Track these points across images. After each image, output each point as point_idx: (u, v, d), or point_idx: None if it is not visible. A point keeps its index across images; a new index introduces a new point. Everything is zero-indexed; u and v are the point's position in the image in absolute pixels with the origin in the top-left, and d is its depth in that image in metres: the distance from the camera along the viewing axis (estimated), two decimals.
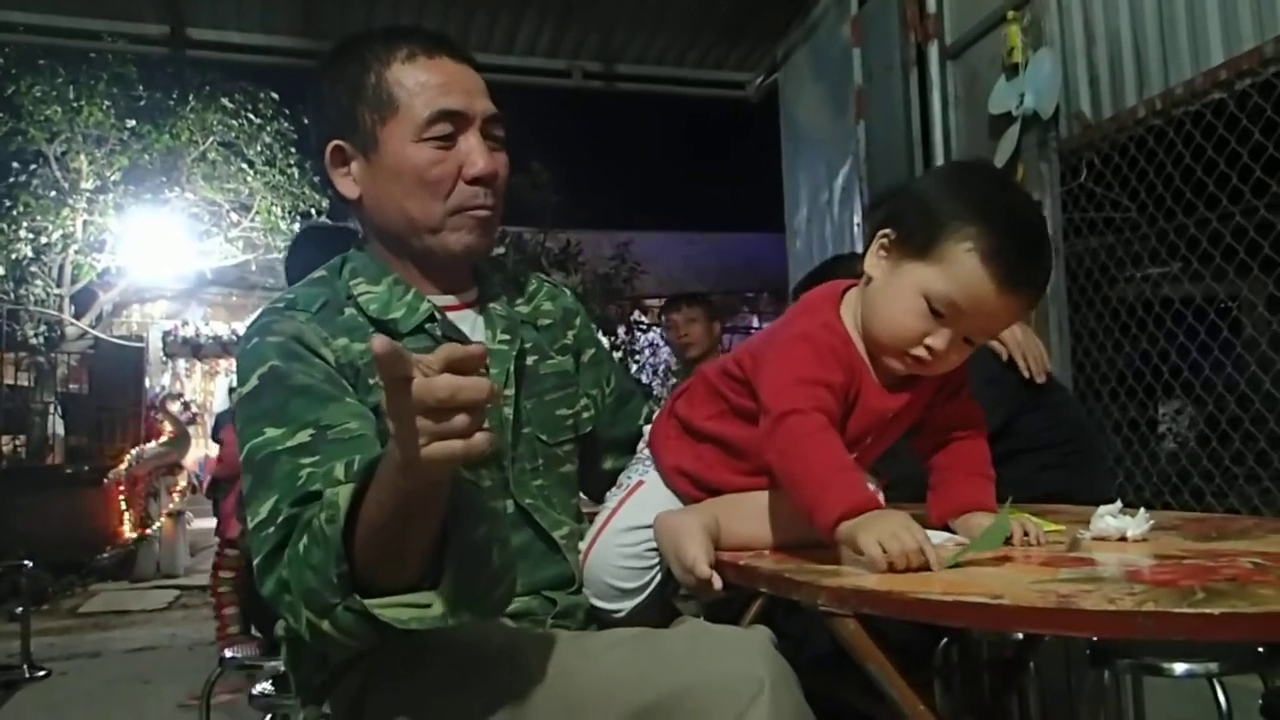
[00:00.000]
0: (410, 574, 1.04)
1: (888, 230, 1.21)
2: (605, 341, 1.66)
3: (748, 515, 1.23)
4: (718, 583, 1.15)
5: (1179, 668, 1.77)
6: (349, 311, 1.32)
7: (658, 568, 1.30)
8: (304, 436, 1.16)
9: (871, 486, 1.23)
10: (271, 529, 1.11)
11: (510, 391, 1.35)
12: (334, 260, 1.42)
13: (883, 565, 1.00)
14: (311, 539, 1.05)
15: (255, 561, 1.14)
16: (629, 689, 1.04)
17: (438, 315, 1.34)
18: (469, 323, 1.39)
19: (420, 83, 1.30)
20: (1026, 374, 2.24)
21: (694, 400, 1.35)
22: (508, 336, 1.39)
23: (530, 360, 1.42)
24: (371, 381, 1.24)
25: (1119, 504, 1.22)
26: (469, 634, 1.18)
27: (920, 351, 1.18)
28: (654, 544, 1.28)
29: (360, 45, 1.35)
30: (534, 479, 1.36)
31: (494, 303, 1.42)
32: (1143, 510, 1.20)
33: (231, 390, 3.00)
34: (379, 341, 0.86)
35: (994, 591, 0.89)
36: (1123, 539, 1.17)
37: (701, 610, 1.26)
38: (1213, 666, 1.76)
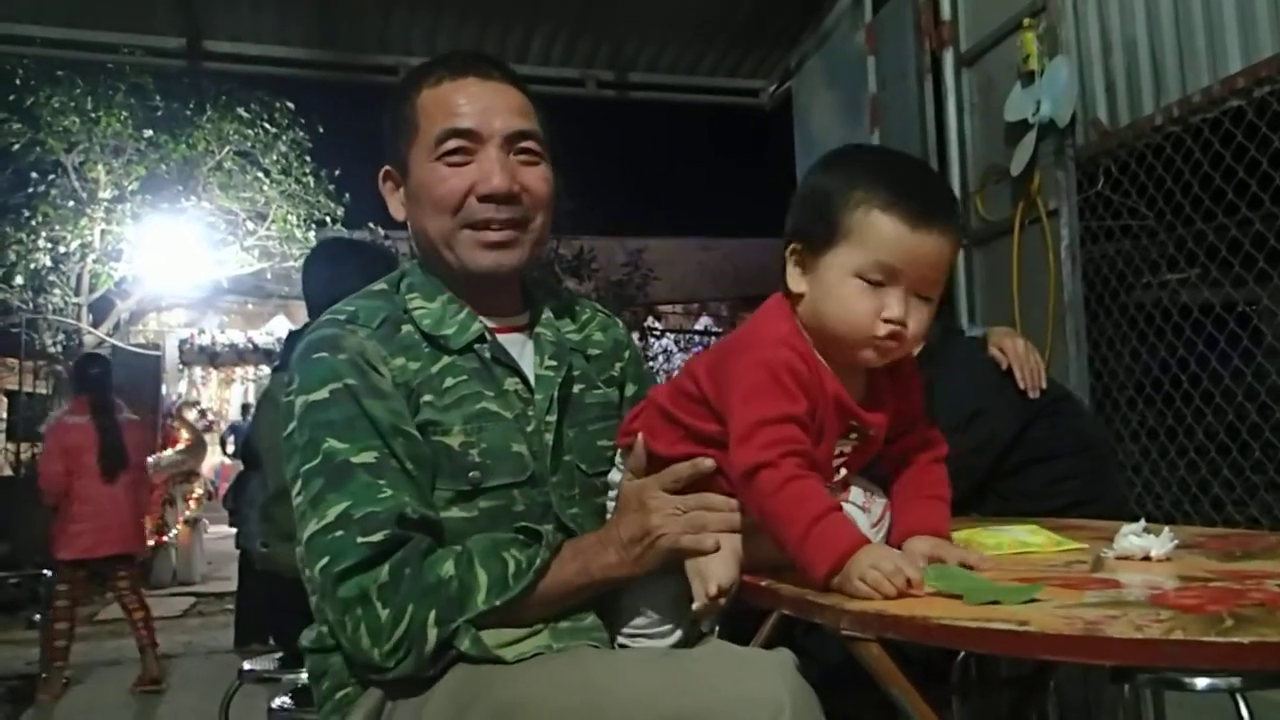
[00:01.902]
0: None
1: (793, 245, 1.21)
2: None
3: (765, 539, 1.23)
4: (721, 602, 1.16)
5: (1201, 682, 1.75)
6: (406, 328, 1.35)
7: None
8: (369, 457, 1.22)
9: (861, 499, 1.23)
10: (347, 535, 1.18)
11: (553, 418, 1.36)
12: (394, 274, 1.46)
13: (874, 598, 1.00)
14: (467, 570, 1.19)
15: (324, 564, 1.19)
16: (652, 708, 1.05)
17: (488, 336, 1.37)
18: (519, 346, 1.41)
19: (438, 105, 1.35)
20: (1022, 385, 2.25)
21: (654, 431, 1.29)
22: (555, 363, 1.40)
23: (576, 389, 1.43)
24: (423, 401, 1.29)
25: (1143, 522, 1.21)
26: (486, 651, 1.19)
27: (883, 329, 1.15)
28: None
29: (410, 76, 1.42)
30: (569, 506, 1.37)
31: (544, 328, 1.44)
32: (1166, 529, 1.20)
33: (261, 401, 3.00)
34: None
35: (1020, 618, 0.88)
36: (1146, 558, 1.16)
37: (712, 625, 1.25)
38: (1235, 681, 1.74)
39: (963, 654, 1.93)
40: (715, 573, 1.16)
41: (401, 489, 1.22)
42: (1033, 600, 0.96)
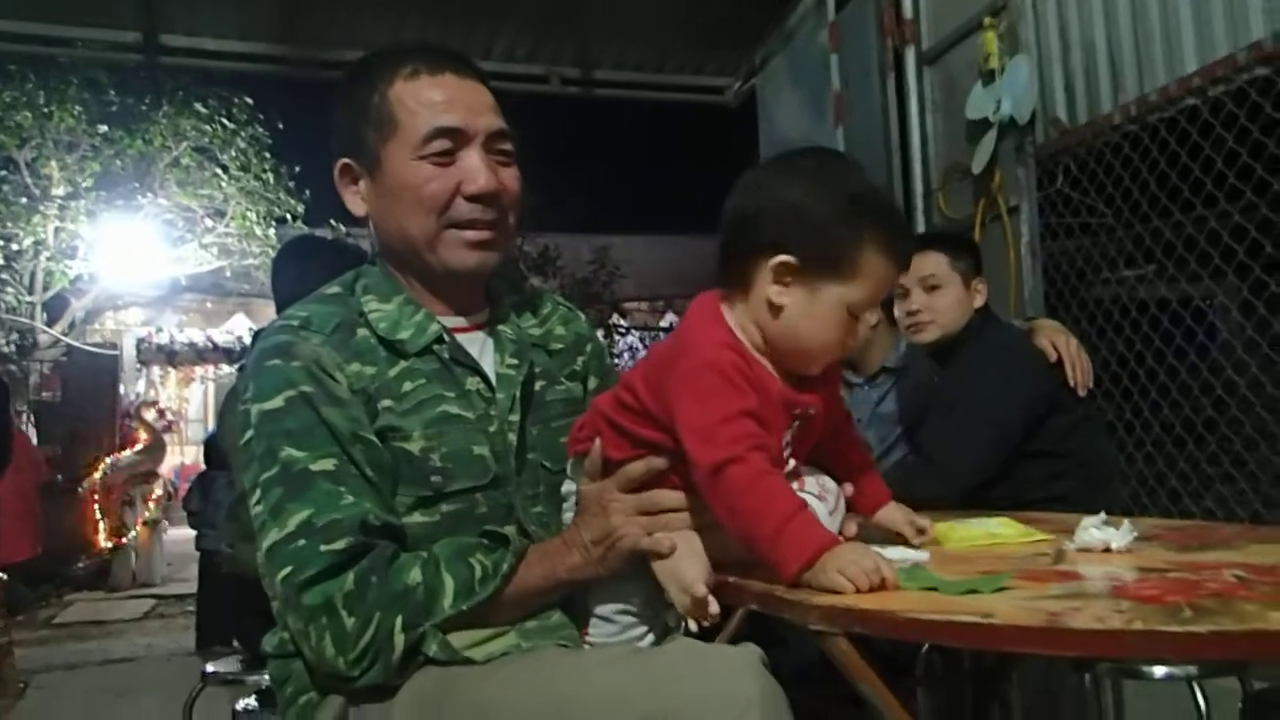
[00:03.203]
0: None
1: (785, 258, 1.18)
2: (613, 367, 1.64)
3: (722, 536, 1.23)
4: (714, 606, 1.15)
5: (1159, 671, 1.79)
6: (361, 333, 1.33)
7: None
8: (328, 465, 1.21)
9: (816, 488, 1.24)
10: (310, 544, 1.17)
11: (515, 417, 1.35)
12: (348, 275, 1.42)
13: (850, 590, 1.02)
14: (434, 575, 1.19)
15: (287, 574, 1.18)
16: (619, 707, 1.04)
17: (446, 337, 1.35)
18: (479, 345, 1.39)
19: (420, 100, 1.31)
20: (1073, 383, 2.32)
21: (603, 438, 1.29)
22: (516, 361, 1.39)
23: (539, 385, 1.42)
24: (381, 406, 1.28)
25: (1103, 515, 1.23)
26: (454, 653, 1.19)
27: (842, 352, 1.23)
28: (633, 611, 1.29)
29: (369, 65, 1.37)
30: (534, 505, 1.36)
31: (505, 325, 1.42)
32: (1126, 522, 1.22)
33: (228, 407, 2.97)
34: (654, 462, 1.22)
35: (984, 610, 0.90)
36: (1107, 550, 1.18)
37: (678, 622, 1.26)
38: (1192, 669, 1.78)
39: (927, 647, 1.95)
40: (690, 573, 1.16)
41: (363, 496, 1.21)
42: (1003, 589, 0.98)
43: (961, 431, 2.30)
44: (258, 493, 1.23)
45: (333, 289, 1.40)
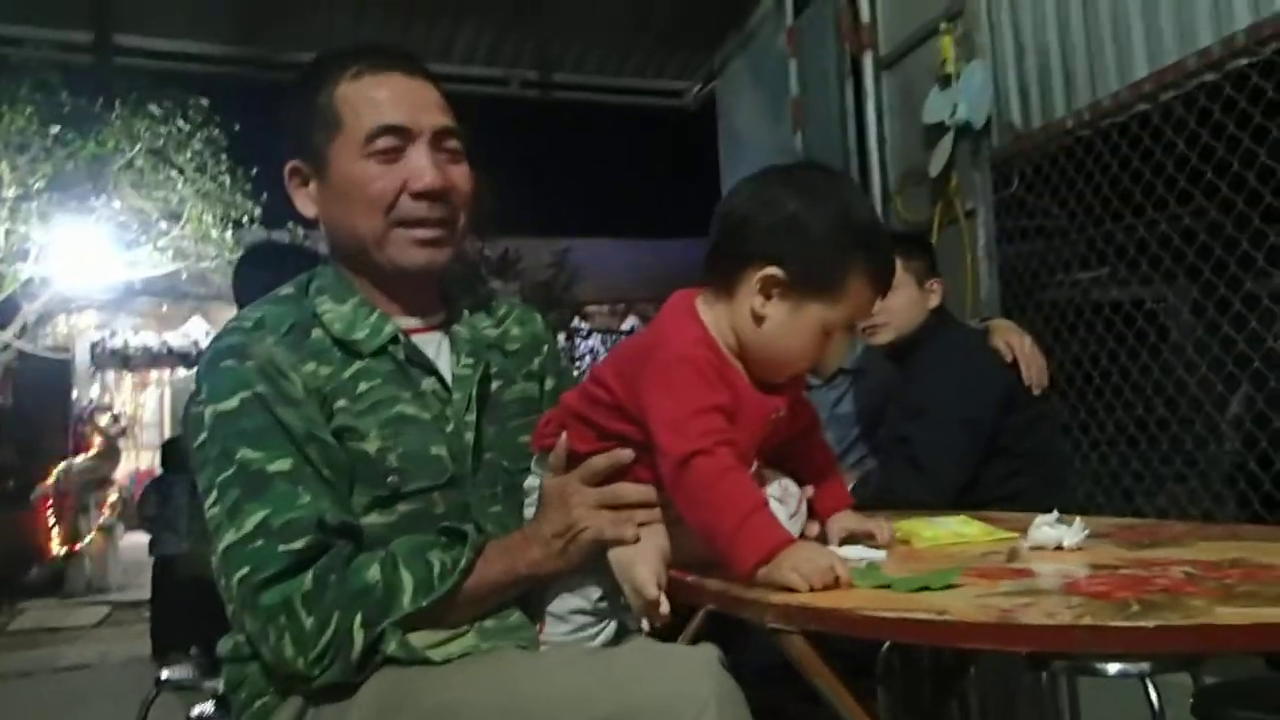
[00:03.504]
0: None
1: (773, 271, 1.19)
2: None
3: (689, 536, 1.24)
4: (665, 606, 1.16)
5: (1112, 668, 1.82)
6: (316, 333, 1.32)
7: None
8: (284, 465, 1.21)
9: (779, 491, 1.25)
10: (268, 544, 1.17)
11: (472, 417, 1.35)
12: (301, 276, 1.42)
13: (804, 588, 1.02)
14: (392, 572, 1.18)
15: (244, 574, 1.17)
16: (577, 707, 1.05)
17: (401, 338, 1.34)
18: (434, 346, 1.39)
19: (365, 99, 1.31)
20: (1028, 381, 2.35)
21: (571, 435, 1.30)
22: (471, 361, 1.39)
23: (495, 385, 1.42)
24: (336, 406, 1.27)
25: (1056, 513, 1.25)
26: (413, 652, 1.18)
27: (810, 366, 1.27)
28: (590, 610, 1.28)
29: (318, 66, 1.37)
30: (493, 504, 1.36)
31: (461, 325, 1.42)
32: (1078, 519, 1.24)
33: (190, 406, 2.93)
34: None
35: (938, 607, 0.91)
36: (1059, 548, 1.20)
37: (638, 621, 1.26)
38: (1145, 666, 1.82)
39: (887, 645, 1.97)
40: (642, 575, 1.17)
41: (320, 495, 1.21)
42: (952, 586, 1.00)
43: (939, 435, 2.32)
44: (214, 494, 1.22)
45: (286, 290, 1.39)
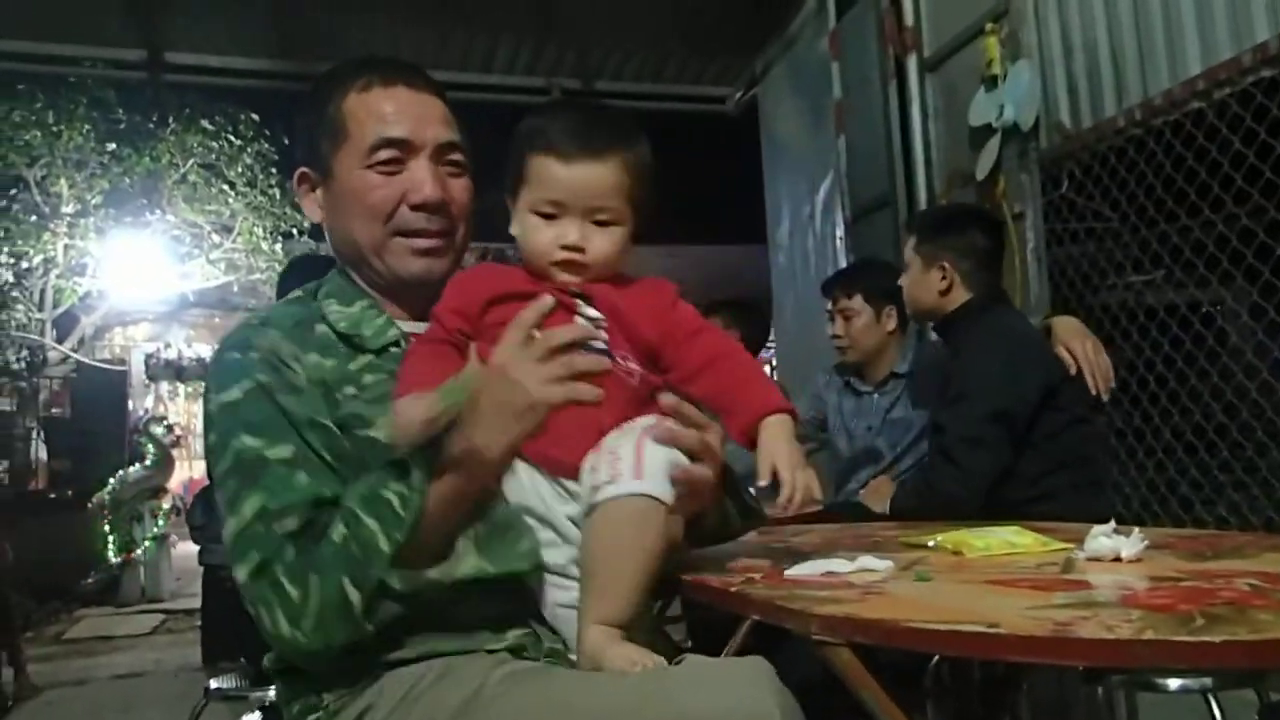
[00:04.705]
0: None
1: (514, 185, 1.29)
2: None
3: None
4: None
5: (1173, 683, 1.75)
6: (321, 329, 1.35)
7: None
8: (285, 452, 1.22)
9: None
10: (266, 531, 1.17)
11: None
12: (311, 284, 1.46)
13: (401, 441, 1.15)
14: (357, 525, 1.16)
15: (243, 562, 1.18)
16: (632, 713, 1.02)
17: (404, 342, 1.35)
18: None
19: (369, 111, 1.35)
20: (1094, 389, 2.29)
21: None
22: None
23: None
24: (339, 396, 1.28)
25: (1113, 523, 1.21)
26: (468, 668, 1.16)
27: (561, 254, 1.24)
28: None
29: (329, 78, 1.41)
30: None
31: None
32: (1136, 530, 1.20)
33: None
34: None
35: (990, 620, 0.87)
36: (1117, 559, 1.16)
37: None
38: (1207, 681, 1.74)
39: (936, 657, 1.93)
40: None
41: (319, 478, 1.21)
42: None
43: (971, 425, 2.28)
44: (220, 487, 1.24)
45: (295, 294, 1.44)
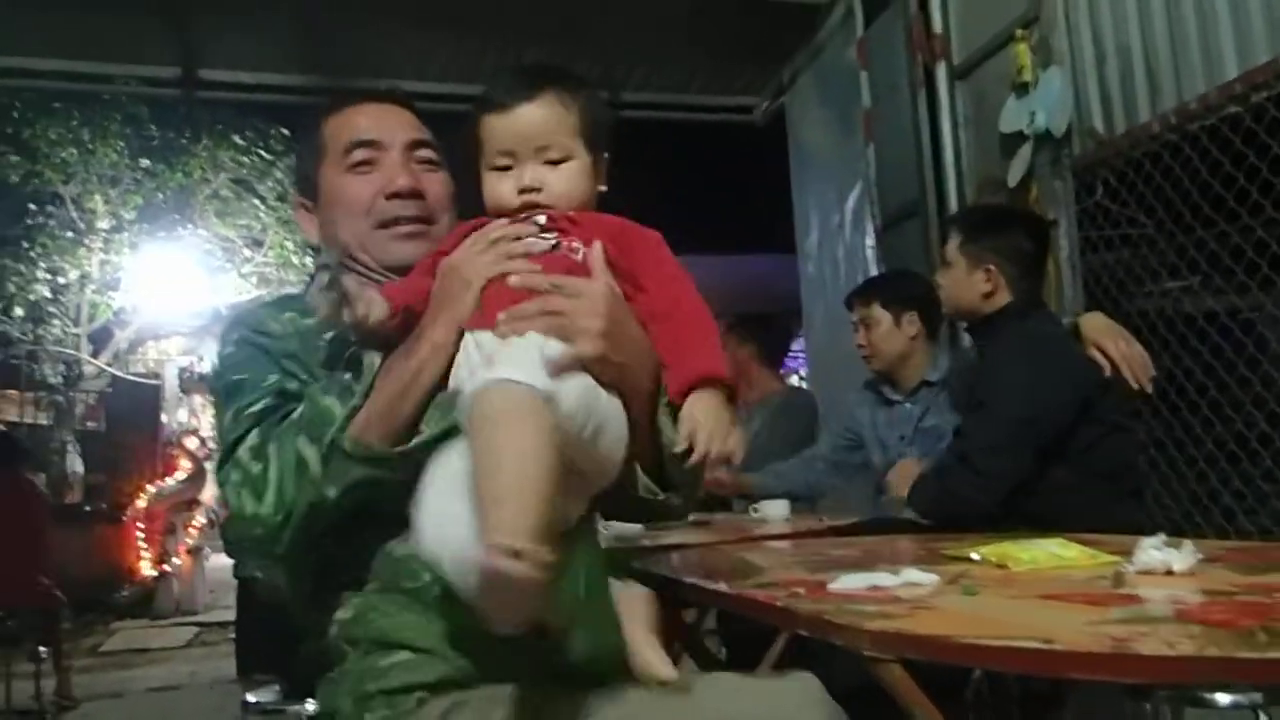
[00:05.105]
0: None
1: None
2: None
3: None
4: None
5: (1224, 699, 1.72)
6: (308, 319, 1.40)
7: None
8: (272, 380, 1.31)
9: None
10: (235, 423, 1.26)
11: None
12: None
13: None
14: (313, 404, 1.23)
15: (221, 460, 1.26)
16: None
17: None
18: None
19: (342, 124, 1.47)
20: (1134, 384, 2.25)
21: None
22: None
23: None
24: (318, 344, 1.33)
25: (1162, 535, 1.19)
26: (512, 693, 1.15)
27: (520, 198, 1.28)
28: None
29: (315, 114, 1.56)
30: None
31: None
32: (1187, 543, 1.17)
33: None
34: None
35: (1045, 635, 0.86)
36: (1169, 572, 1.14)
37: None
38: (1257, 697, 1.71)
39: (978, 671, 1.91)
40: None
41: (286, 378, 1.30)
42: None
43: (993, 432, 2.24)
44: (217, 424, 1.33)
45: (292, 292, 1.58)
